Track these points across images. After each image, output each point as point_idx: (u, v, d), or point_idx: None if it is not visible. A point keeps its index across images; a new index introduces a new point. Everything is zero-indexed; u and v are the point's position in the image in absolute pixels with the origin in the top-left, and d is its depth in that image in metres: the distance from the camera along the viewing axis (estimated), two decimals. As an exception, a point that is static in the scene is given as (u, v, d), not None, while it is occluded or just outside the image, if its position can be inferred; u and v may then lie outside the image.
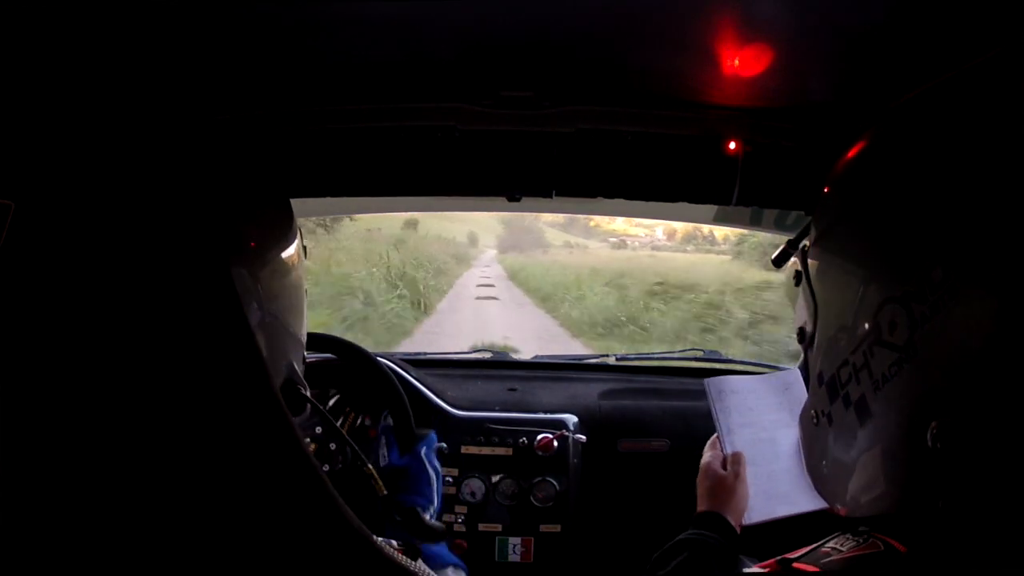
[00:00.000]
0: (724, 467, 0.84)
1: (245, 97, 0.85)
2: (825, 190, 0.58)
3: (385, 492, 0.87)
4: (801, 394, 0.90)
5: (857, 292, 0.50)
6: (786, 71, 0.73)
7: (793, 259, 0.62)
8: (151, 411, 0.44)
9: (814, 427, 0.56)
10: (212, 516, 0.45)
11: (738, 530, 0.80)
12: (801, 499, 0.83)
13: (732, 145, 0.89)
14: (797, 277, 0.60)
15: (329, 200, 1.20)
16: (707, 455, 0.86)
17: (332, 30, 0.67)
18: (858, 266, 0.51)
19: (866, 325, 0.49)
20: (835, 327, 0.53)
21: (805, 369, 0.60)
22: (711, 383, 0.91)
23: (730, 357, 1.57)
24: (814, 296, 0.57)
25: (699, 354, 1.58)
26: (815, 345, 0.56)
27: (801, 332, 0.59)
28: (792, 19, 0.63)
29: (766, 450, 0.87)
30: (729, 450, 0.86)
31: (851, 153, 0.56)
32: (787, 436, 0.88)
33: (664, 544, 0.79)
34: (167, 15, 0.61)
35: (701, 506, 0.81)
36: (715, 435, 0.89)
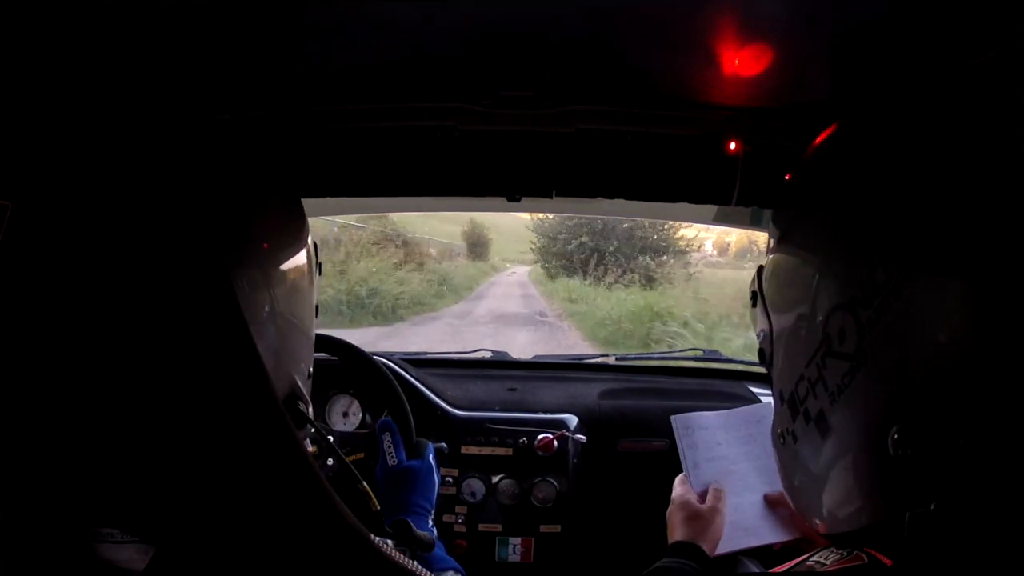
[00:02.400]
0: (701, 500, 0.86)
1: (244, 97, 0.85)
2: (787, 178, 0.58)
3: (378, 508, 0.89)
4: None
5: (807, 302, 0.49)
6: (786, 71, 0.73)
7: (752, 277, 0.61)
8: (149, 411, 0.44)
9: (782, 447, 0.55)
10: (212, 516, 0.45)
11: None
12: (765, 532, 0.86)
13: (732, 145, 0.89)
14: (753, 297, 0.59)
15: (327, 201, 1.20)
16: (679, 488, 0.88)
17: (330, 30, 0.67)
18: (807, 274, 0.50)
19: (817, 336, 0.48)
20: (789, 341, 0.52)
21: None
22: (677, 420, 0.92)
23: (730, 357, 1.57)
24: (768, 314, 0.56)
25: (699, 353, 1.58)
26: (773, 364, 0.55)
27: (761, 353, 0.58)
28: (792, 19, 0.63)
29: (733, 483, 0.88)
30: (695, 483, 0.88)
31: (806, 153, 0.55)
32: (755, 469, 0.90)
33: (657, 550, 0.80)
34: (165, 14, 0.61)
35: (675, 536, 0.83)
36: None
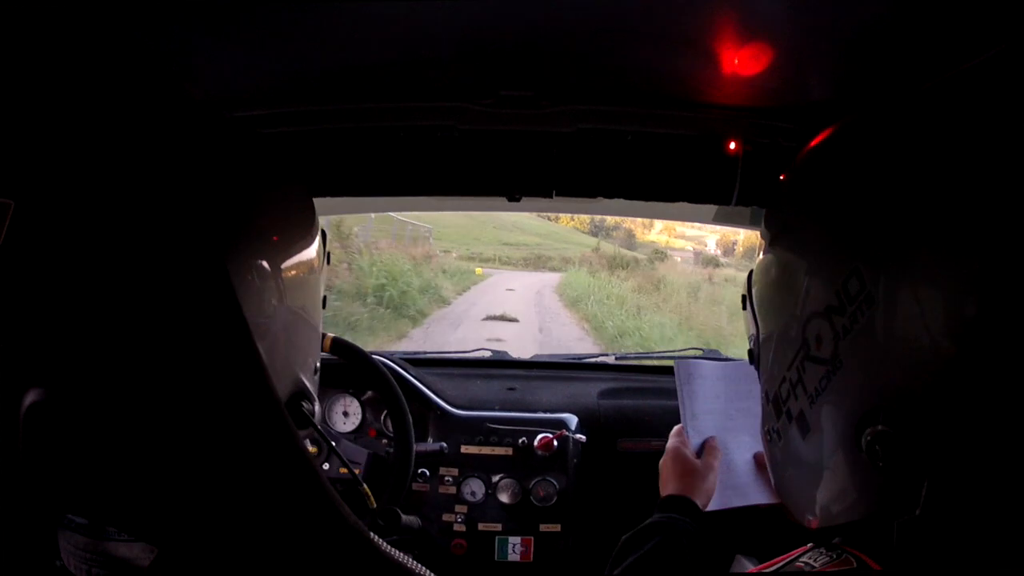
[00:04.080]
0: (697, 454, 0.84)
1: (244, 97, 0.85)
2: (781, 178, 0.59)
3: (375, 506, 0.92)
4: None
5: (790, 307, 0.51)
6: (786, 70, 0.73)
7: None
8: (148, 410, 0.44)
9: (769, 444, 0.57)
10: (212, 515, 0.45)
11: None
12: (754, 492, 0.84)
13: (732, 145, 0.89)
14: (743, 301, 0.61)
15: (327, 200, 1.20)
16: (673, 440, 0.86)
17: (331, 30, 0.67)
18: (790, 280, 0.52)
19: (798, 340, 0.50)
20: (773, 344, 0.54)
21: None
22: (680, 365, 0.90)
23: (730, 356, 1.57)
24: (756, 318, 0.58)
25: (699, 353, 1.58)
26: (761, 365, 0.57)
27: (751, 354, 0.60)
28: (792, 18, 0.63)
29: (728, 439, 0.87)
30: (692, 434, 0.86)
31: (797, 158, 0.56)
32: (748, 427, 0.88)
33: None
34: (166, 14, 0.61)
35: (668, 489, 0.81)
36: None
